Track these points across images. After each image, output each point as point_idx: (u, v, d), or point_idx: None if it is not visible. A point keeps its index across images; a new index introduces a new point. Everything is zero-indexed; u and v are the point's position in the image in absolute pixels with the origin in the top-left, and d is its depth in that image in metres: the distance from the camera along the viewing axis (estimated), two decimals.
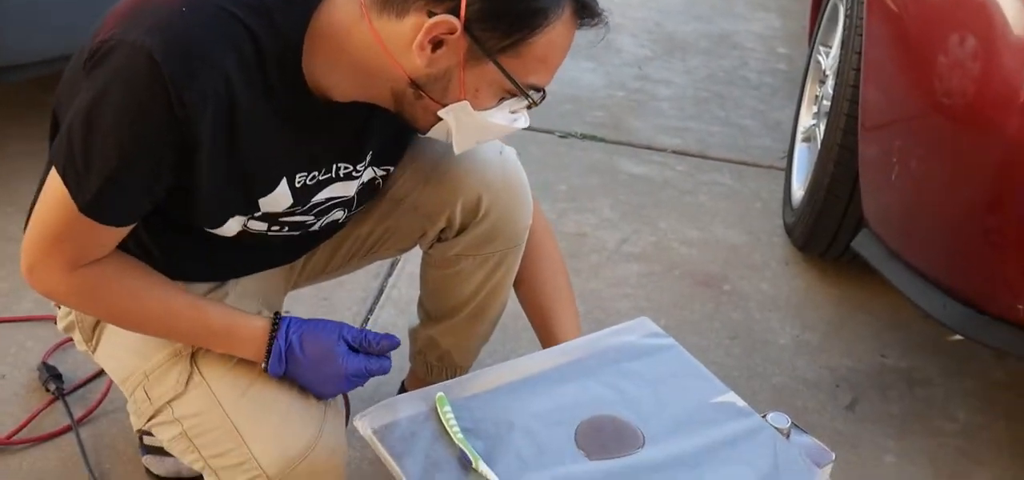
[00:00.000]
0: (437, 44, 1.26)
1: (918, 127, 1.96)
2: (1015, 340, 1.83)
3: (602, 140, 3.25)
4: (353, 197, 1.56)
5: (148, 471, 1.85)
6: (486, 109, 1.33)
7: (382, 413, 1.38)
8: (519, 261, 1.76)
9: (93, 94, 1.24)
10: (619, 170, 3.07)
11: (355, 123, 1.44)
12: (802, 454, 1.40)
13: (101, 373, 2.03)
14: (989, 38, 1.78)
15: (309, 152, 1.43)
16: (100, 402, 1.98)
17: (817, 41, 2.87)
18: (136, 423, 1.55)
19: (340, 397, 1.53)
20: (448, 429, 1.35)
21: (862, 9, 2.22)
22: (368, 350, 1.47)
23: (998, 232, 1.79)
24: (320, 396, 1.48)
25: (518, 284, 1.78)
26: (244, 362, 1.46)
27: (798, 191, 2.71)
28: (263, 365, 1.44)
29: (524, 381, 1.47)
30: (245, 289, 1.62)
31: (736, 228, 2.81)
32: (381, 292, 2.40)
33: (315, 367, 1.45)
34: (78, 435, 1.90)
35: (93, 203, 1.29)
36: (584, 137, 3.27)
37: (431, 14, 1.24)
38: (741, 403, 1.47)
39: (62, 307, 1.65)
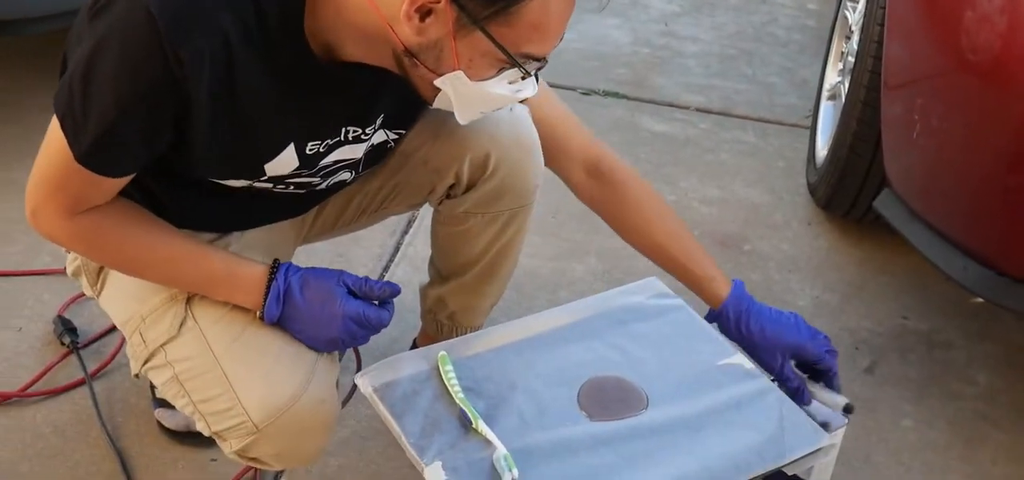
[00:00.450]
0: (425, 13, 1.22)
1: (941, 84, 1.91)
2: None
3: (624, 97, 3.22)
4: (360, 159, 1.54)
5: (160, 424, 1.85)
6: (485, 79, 1.28)
7: (384, 371, 1.38)
8: (529, 221, 1.74)
9: (92, 45, 1.24)
10: (641, 128, 3.03)
11: (366, 86, 1.42)
12: (810, 419, 1.38)
13: (115, 327, 2.04)
14: None
15: (317, 116, 1.41)
16: (114, 356, 1.99)
17: None
18: (134, 367, 1.56)
19: (335, 353, 1.49)
20: (449, 388, 1.34)
21: None
22: (369, 295, 1.44)
23: (1020, 192, 1.74)
24: (316, 344, 1.44)
25: (635, 237, 1.71)
26: (238, 309, 1.45)
27: (822, 150, 2.67)
28: (259, 312, 1.43)
29: (529, 340, 1.46)
30: (249, 241, 1.61)
31: (758, 187, 2.77)
32: (397, 249, 2.39)
33: (312, 309, 1.42)
34: (91, 388, 1.91)
35: (89, 154, 1.28)
36: (606, 94, 3.23)
37: None
38: (748, 364, 1.45)
39: (70, 253, 1.66)
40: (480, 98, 1.32)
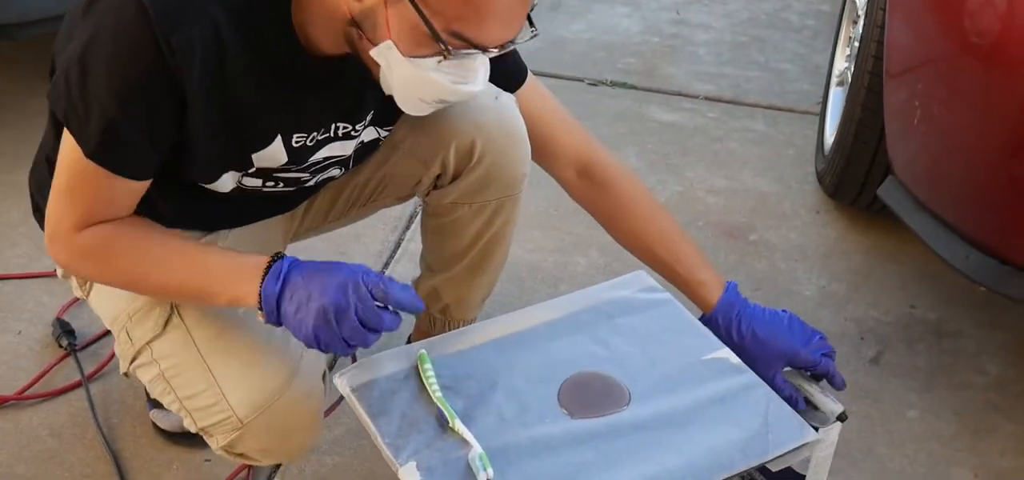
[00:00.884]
0: None
1: (943, 68, 1.87)
2: None
3: (633, 87, 3.18)
4: (350, 156, 1.54)
5: (155, 425, 1.86)
6: (419, 58, 1.23)
7: (362, 371, 1.36)
8: (517, 211, 1.73)
9: (85, 40, 1.25)
10: (648, 118, 3.00)
11: (354, 81, 1.41)
12: (796, 414, 1.35)
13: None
14: None
15: (306, 110, 1.40)
16: (111, 358, 1.99)
17: None
18: (122, 365, 1.56)
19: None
20: (427, 387, 1.32)
21: None
22: (385, 298, 1.29)
23: (1022, 179, 1.70)
24: (307, 327, 1.27)
25: (625, 239, 1.70)
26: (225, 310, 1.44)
27: (830, 137, 2.62)
28: (258, 292, 1.30)
29: (512, 337, 1.44)
30: (239, 238, 1.61)
31: (766, 176, 2.73)
32: (398, 245, 2.38)
33: (310, 281, 1.28)
34: (88, 390, 1.92)
35: (98, 149, 1.28)
36: (614, 84, 3.20)
37: None
38: (735, 359, 1.42)
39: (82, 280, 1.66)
40: (417, 81, 1.26)
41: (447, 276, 1.79)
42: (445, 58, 1.22)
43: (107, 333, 2.05)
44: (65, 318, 2.08)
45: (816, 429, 1.51)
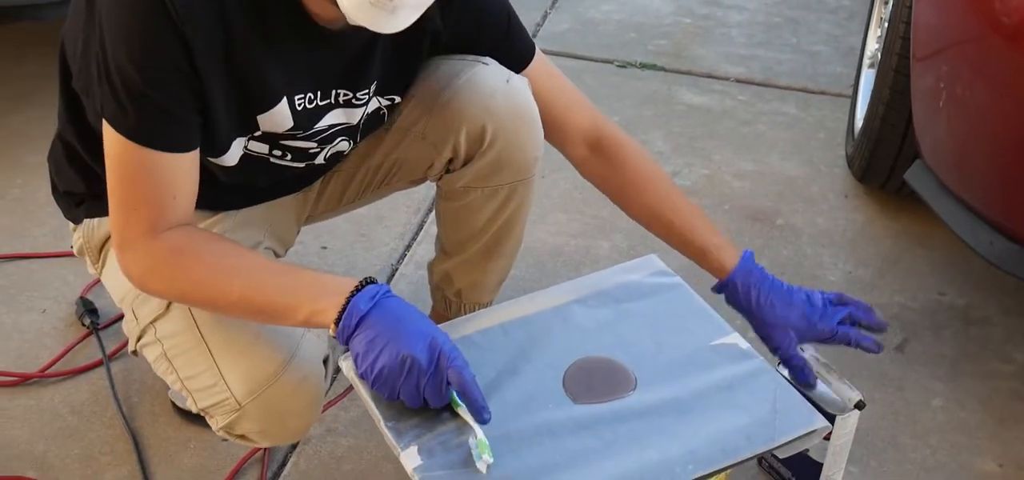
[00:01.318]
0: None
1: (968, 49, 1.83)
2: None
3: (662, 69, 3.15)
4: (357, 125, 1.53)
5: (173, 405, 1.87)
6: None
7: None
8: (531, 195, 1.72)
9: (100, 24, 1.26)
10: (677, 100, 2.97)
11: (355, 48, 1.42)
12: (804, 401, 1.33)
13: None
14: None
15: (307, 72, 1.40)
16: None
17: None
18: (130, 344, 1.58)
19: (323, 331, 1.38)
20: None
21: None
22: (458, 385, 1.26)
23: None
24: (380, 363, 1.25)
25: (638, 213, 1.68)
26: None
27: (861, 120, 2.58)
28: (341, 308, 1.28)
29: (519, 321, 1.43)
30: (247, 217, 1.61)
31: (794, 159, 2.69)
32: (420, 228, 2.38)
33: (402, 318, 1.28)
34: (108, 369, 1.93)
35: (138, 127, 1.28)
36: (643, 66, 3.17)
37: None
38: (744, 345, 1.40)
39: (75, 231, 1.67)
40: None
41: (461, 259, 1.79)
42: None
43: None
44: (88, 297, 2.10)
45: (830, 417, 1.49)
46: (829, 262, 2.32)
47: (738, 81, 3.10)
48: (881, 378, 1.99)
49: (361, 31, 1.33)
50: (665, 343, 1.39)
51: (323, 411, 1.80)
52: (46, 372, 1.94)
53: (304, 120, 1.44)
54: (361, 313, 1.26)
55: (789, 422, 1.28)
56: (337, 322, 1.27)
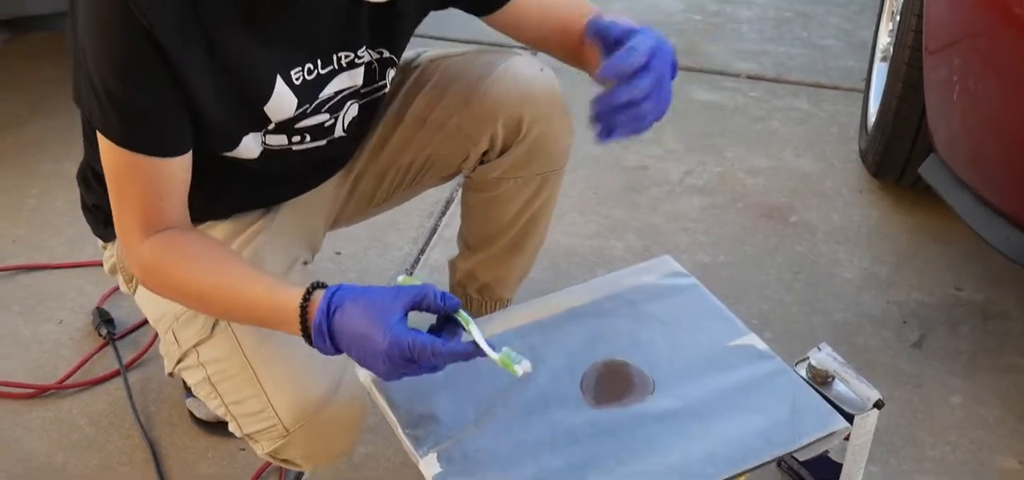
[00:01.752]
0: None
1: (981, 42, 1.82)
2: None
3: None
4: (360, 86, 1.49)
5: (191, 414, 1.87)
6: None
7: None
8: (560, 187, 1.73)
9: (81, 37, 1.26)
10: (689, 98, 2.96)
11: (340, 6, 1.38)
12: (824, 401, 1.32)
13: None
14: None
15: (299, 43, 1.37)
16: (149, 347, 2.01)
17: None
18: (167, 365, 1.57)
19: None
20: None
21: None
22: (429, 307, 1.22)
23: None
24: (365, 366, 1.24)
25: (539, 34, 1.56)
26: None
27: (874, 114, 2.57)
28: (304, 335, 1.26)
29: (535, 325, 1.43)
30: (282, 226, 1.60)
31: (808, 155, 2.68)
32: (434, 231, 2.38)
33: (355, 332, 1.21)
34: (126, 379, 1.94)
35: (122, 133, 1.28)
36: None
37: None
38: (761, 345, 1.40)
39: (106, 248, 1.67)
40: None
41: (486, 255, 1.78)
42: None
43: (146, 322, 2.07)
44: (105, 307, 2.11)
45: (849, 417, 1.48)
46: (845, 258, 2.31)
47: (750, 77, 3.10)
48: (899, 375, 1.98)
49: None
50: (682, 345, 1.39)
51: None
52: (64, 383, 1.95)
53: (307, 93, 1.40)
54: (326, 330, 1.21)
55: (809, 423, 1.28)
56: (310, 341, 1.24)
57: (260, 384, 1.42)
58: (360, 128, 1.57)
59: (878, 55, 2.71)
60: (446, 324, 1.23)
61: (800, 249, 2.34)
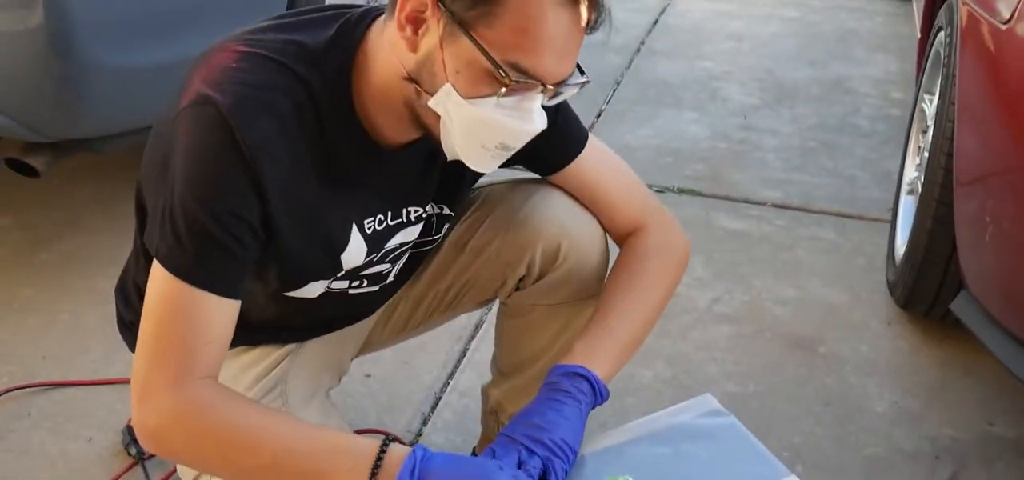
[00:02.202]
0: (417, 24, 1.24)
1: (1015, 183, 1.84)
2: None
3: (700, 194, 3.18)
4: (417, 238, 1.55)
5: None
6: (476, 98, 1.24)
7: None
8: None
9: (173, 170, 1.27)
10: (715, 225, 2.99)
11: (418, 163, 1.44)
12: None
13: None
14: None
15: (375, 195, 1.42)
16: (177, 467, 2.00)
17: (922, 87, 2.74)
18: (185, 477, 1.57)
19: None
20: None
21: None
22: None
23: None
24: None
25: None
26: None
27: (901, 247, 2.58)
28: None
29: (579, 461, 1.41)
30: (313, 351, 1.62)
31: (835, 286, 2.69)
32: (463, 355, 2.38)
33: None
34: None
35: (192, 264, 1.26)
36: (681, 191, 3.20)
37: None
38: None
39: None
40: (477, 123, 1.26)
41: (518, 381, 1.78)
42: (506, 90, 1.23)
43: None
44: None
45: None
46: (875, 392, 2.30)
47: (775, 206, 3.12)
48: None
49: (421, 145, 1.37)
50: None
51: None
52: None
53: (375, 243, 1.46)
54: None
55: None
56: None
57: None
58: (408, 274, 1.61)
59: (904, 188, 2.73)
60: None
61: (829, 381, 2.33)
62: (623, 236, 1.63)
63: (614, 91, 3.99)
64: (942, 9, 2.50)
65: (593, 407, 1.42)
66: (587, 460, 1.41)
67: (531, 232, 1.60)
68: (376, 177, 1.40)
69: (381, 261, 1.50)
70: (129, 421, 2.13)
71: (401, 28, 1.25)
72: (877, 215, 3.04)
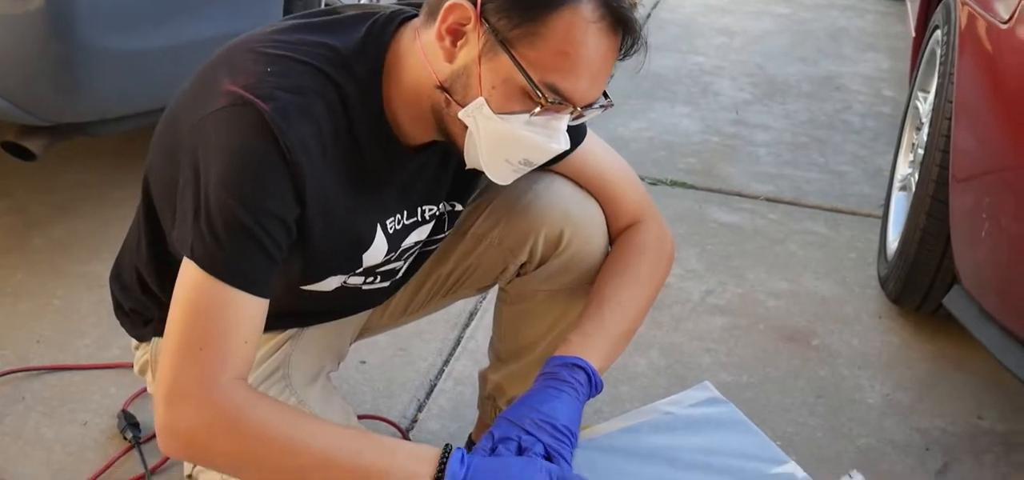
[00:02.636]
0: (457, 36, 1.25)
1: (1011, 180, 1.85)
2: None
3: (693, 187, 3.19)
4: (429, 236, 1.56)
5: None
6: (508, 114, 1.26)
7: None
8: None
9: (199, 162, 1.26)
10: (708, 218, 3.00)
11: (434, 163, 1.46)
12: None
13: None
14: None
15: (396, 194, 1.44)
16: None
17: (916, 85, 2.76)
18: (186, 467, 1.58)
19: None
20: None
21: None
22: None
23: None
24: None
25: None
26: None
27: (893, 242, 2.60)
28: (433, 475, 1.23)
29: (578, 449, 1.43)
30: (313, 336, 1.62)
31: (827, 280, 2.71)
32: (458, 343, 2.39)
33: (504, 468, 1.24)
34: None
35: (228, 262, 1.24)
36: (674, 184, 3.21)
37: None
38: (800, 474, 1.40)
39: (139, 348, 1.67)
40: (505, 139, 1.28)
41: (516, 367, 1.79)
42: (540, 109, 1.25)
43: None
44: (130, 410, 2.11)
45: None
46: (866, 384, 2.32)
47: (767, 199, 3.14)
48: None
49: (438, 146, 1.38)
50: (722, 472, 1.39)
51: None
52: None
53: (395, 242, 1.47)
54: (460, 478, 1.22)
55: None
56: None
57: None
58: (416, 270, 1.63)
59: (897, 184, 2.75)
60: None
61: (822, 373, 2.35)
62: (620, 228, 1.65)
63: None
64: (939, 8, 2.52)
65: (589, 398, 1.43)
66: (588, 449, 1.42)
67: (534, 218, 1.61)
68: (398, 177, 1.42)
69: (397, 258, 1.52)
70: (124, 405, 2.13)
71: (440, 38, 1.26)
72: (868, 211, 3.06)
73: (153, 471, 1.97)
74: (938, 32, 2.47)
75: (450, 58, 1.27)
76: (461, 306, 2.40)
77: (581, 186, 1.62)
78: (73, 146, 2.92)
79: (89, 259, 2.62)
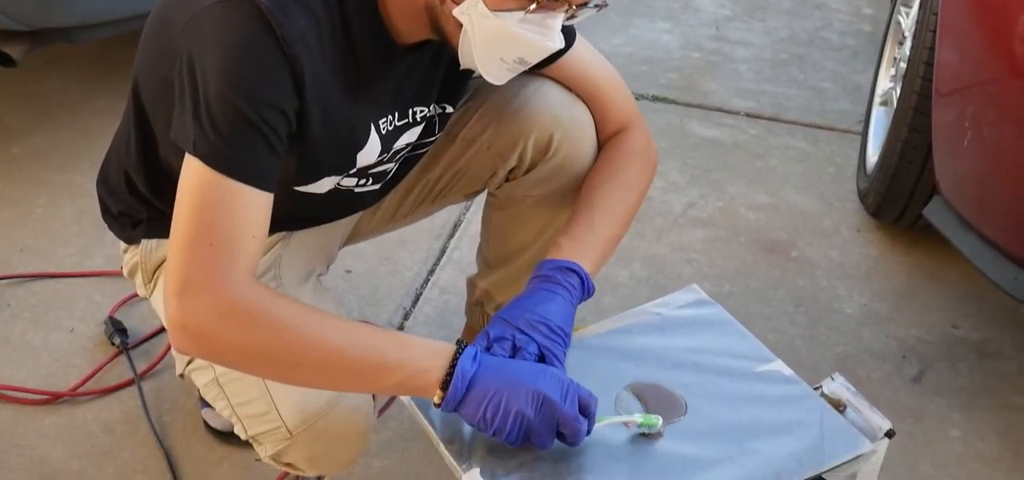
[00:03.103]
0: None
1: (994, 91, 1.88)
2: None
3: (674, 102, 3.20)
4: (419, 138, 1.56)
5: (206, 424, 1.89)
6: (503, 11, 1.26)
7: None
8: None
9: (193, 58, 1.26)
10: (689, 133, 3.02)
11: (425, 63, 1.46)
12: (851, 425, 1.36)
13: (164, 328, 2.07)
14: None
15: (388, 94, 1.44)
16: (163, 356, 2.02)
17: (898, 0, 2.77)
18: (178, 366, 1.58)
19: None
20: None
21: None
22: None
23: None
24: (491, 427, 1.23)
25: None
26: None
27: (873, 157, 2.63)
28: (447, 368, 1.25)
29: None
30: (303, 239, 1.63)
31: (807, 193, 2.74)
32: (443, 253, 2.41)
33: (507, 374, 1.25)
34: (140, 388, 1.95)
35: (231, 156, 1.24)
36: (655, 99, 3.22)
37: None
38: (787, 371, 1.43)
39: (127, 251, 1.67)
40: (500, 37, 1.28)
41: (504, 273, 1.81)
42: (536, 6, 1.25)
43: (160, 332, 2.08)
44: (117, 317, 2.12)
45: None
46: (845, 295, 2.36)
47: (748, 115, 3.15)
48: (900, 408, 2.03)
49: (430, 45, 1.38)
50: (711, 369, 1.42)
51: None
52: (77, 391, 1.96)
53: (387, 143, 1.47)
54: (470, 374, 1.24)
55: (837, 446, 1.32)
56: (443, 386, 1.24)
57: (266, 386, 1.43)
58: (404, 174, 1.63)
59: (877, 99, 2.77)
60: None
61: (801, 284, 2.39)
62: (608, 133, 1.65)
63: None
64: None
65: (581, 301, 1.45)
66: (579, 349, 1.44)
67: (524, 123, 1.61)
68: (391, 77, 1.42)
69: (389, 160, 1.52)
70: (112, 312, 2.13)
71: None
72: (847, 127, 3.08)
73: (142, 376, 1.99)
74: None
75: None
76: (446, 216, 2.42)
77: (575, 90, 1.62)
78: (51, 53, 2.88)
79: (69, 168, 2.60)
